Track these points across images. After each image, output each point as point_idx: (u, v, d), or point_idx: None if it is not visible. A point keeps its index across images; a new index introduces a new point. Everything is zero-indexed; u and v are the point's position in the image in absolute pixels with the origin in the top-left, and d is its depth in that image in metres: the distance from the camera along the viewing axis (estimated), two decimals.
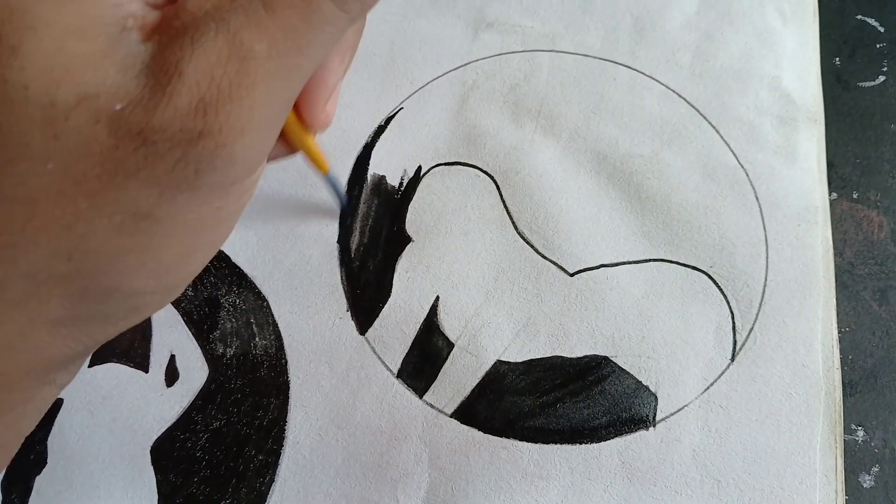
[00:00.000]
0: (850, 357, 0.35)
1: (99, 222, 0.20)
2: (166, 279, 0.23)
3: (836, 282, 0.35)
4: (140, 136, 0.20)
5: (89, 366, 0.36)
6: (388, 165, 0.39)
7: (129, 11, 0.20)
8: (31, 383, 0.23)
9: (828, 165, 0.38)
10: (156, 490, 0.33)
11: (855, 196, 0.38)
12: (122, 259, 0.21)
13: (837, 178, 0.38)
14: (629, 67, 0.40)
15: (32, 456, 0.34)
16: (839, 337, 0.35)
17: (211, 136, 0.20)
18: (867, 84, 0.41)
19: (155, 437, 0.34)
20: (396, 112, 0.40)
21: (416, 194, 0.38)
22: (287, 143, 0.29)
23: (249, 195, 0.24)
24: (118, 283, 0.22)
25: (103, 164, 0.20)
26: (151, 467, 0.34)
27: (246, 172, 0.22)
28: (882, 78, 0.41)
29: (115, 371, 0.36)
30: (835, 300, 0.35)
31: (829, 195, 0.38)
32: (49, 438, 0.34)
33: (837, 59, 0.41)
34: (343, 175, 0.39)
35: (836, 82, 0.41)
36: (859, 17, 0.43)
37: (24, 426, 0.25)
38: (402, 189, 0.38)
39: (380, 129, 0.40)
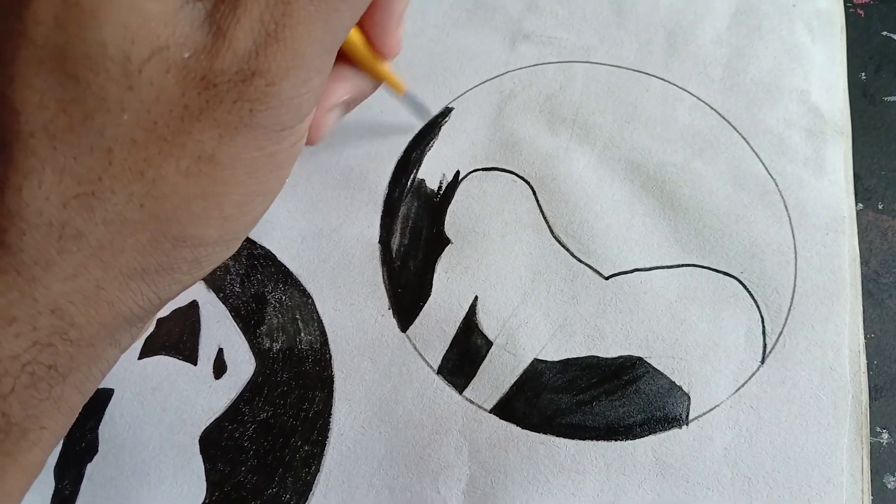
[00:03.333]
0: (876, 362, 0.36)
1: (167, 167, 0.23)
2: (227, 228, 0.25)
3: (861, 289, 0.36)
4: (203, 81, 0.22)
5: (139, 357, 0.37)
6: (428, 170, 0.40)
7: None
8: (101, 341, 0.24)
9: (854, 177, 0.39)
10: (204, 478, 0.34)
11: (880, 207, 0.39)
12: (187, 205, 0.23)
13: (863, 189, 0.40)
14: (662, 79, 0.41)
15: (84, 444, 0.35)
16: (865, 343, 0.36)
17: (261, 75, 0.22)
18: (892, 98, 0.42)
19: (203, 427, 0.35)
20: (436, 118, 0.41)
21: (454, 198, 0.39)
22: (364, 72, 0.32)
23: (300, 144, 0.26)
24: (184, 231, 0.24)
25: (171, 110, 0.22)
26: (200, 456, 0.35)
27: (295, 115, 0.24)
28: None
29: (164, 363, 0.37)
30: (861, 307, 0.36)
31: (856, 206, 0.39)
32: (100, 427, 0.35)
33: (863, 74, 0.43)
34: (384, 179, 0.40)
35: (862, 97, 0.42)
36: (885, 33, 0.44)
37: (87, 389, 0.26)
38: (442, 192, 0.39)
39: (420, 135, 0.41)
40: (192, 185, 0.23)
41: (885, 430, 0.35)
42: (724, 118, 0.40)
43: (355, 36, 0.31)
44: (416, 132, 0.41)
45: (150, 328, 0.38)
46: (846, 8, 0.44)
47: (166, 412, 0.36)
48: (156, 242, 0.24)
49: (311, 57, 0.24)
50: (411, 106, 0.39)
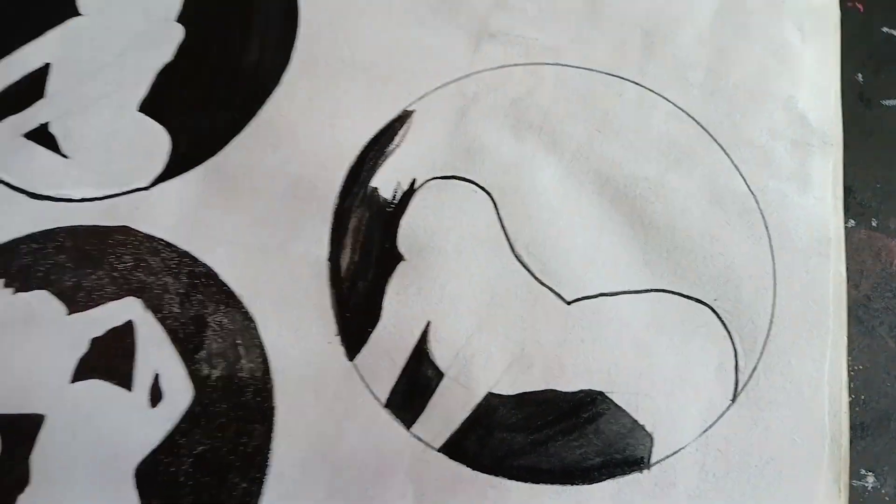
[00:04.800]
0: (863, 397, 0.34)
1: None
2: None
3: (850, 316, 0.35)
4: None
5: (71, 381, 0.35)
6: (383, 178, 0.38)
7: None
8: None
9: (846, 191, 0.37)
10: None
11: (874, 224, 0.37)
12: None
13: (856, 204, 0.37)
14: (637, 84, 0.39)
15: (14, 474, 0.34)
16: (852, 376, 0.34)
17: None
18: (891, 102, 0.39)
19: (139, 460, 0.34)
20: (392, 122, 0.39)
21: (409, 208, 0.38)
22: None
23: None
24: None
25: None
26: (136, 491, 0.33)
27: None
28: None
29: (98, 388, 0.35)
30: (846, 339, 0.34)
31: (847, 223, 0.36)
32: (31, 456, 0.34)
33: (860, 75, 0.40)
34: (334, 188, 0.38)
35: (857, 100, 0.39)
36: (886, 29, 0.41)
37: None
38: (396, 202, 0.38)
39: (374, 140, 0.39)
40: None
41: (870, 473, 0.33)
42: (702, 127, 0.38)
43: None
44: (371, 136, 0.39)
45: (84, 348, 0.36)
46: (843, 2, 0.41)
47: (101, 442, 0.34)
48: None
49: None
50: None
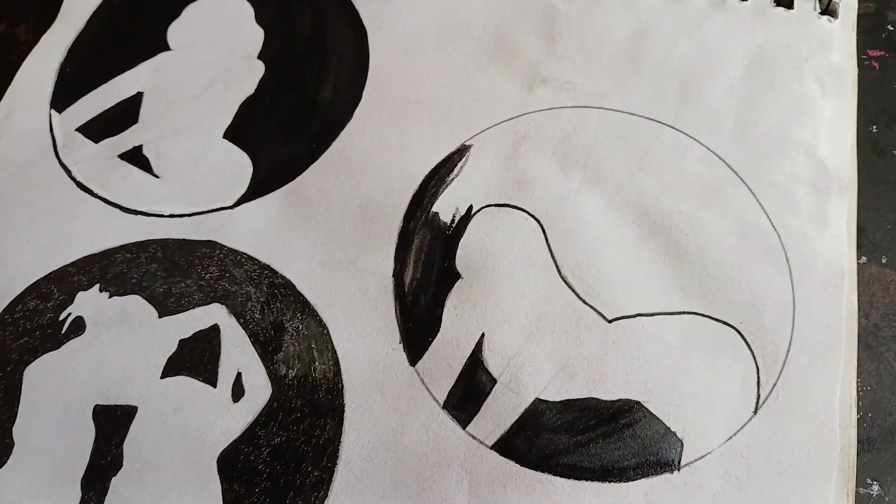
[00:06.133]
0: (870, 415, 0.37)
1: None
2: None
3: (860, 342, 0.37)
4: None
5: (161, 377, 0.39)
6: (443, 204, 0.42)
7: None
8: None
9: (859, 230, 0.40)
10: (220, 498, 0.36)
11: (884, 261, 0.40)
12: None
13: (868, 242, 0.40)
14: (673, 128, 0.42)
15: (110, 458, 0.37)
16: (861, 395, 0.37)
17: None
18: None
19: (221, 449, 0.37)
20: (452, 155, 0.43)
21: (466, 231, 0.41)
22: None
23: None
24: None
25: None
26: (217, 476, 0.37)
27: None
28: None
29: (185, 384, 0.39)
30: (856, 361, 0.37)
31: (859, 259, 0.40)
32: (125, 443, 0.37)
33: (875, 127, 0.43)
34: (400, 211, 0.42)
35: (872, 149, 0.43)
36: None
37: None
38: (454, 226, 0.41)
39: (436, 170, 0.43)
40: None
41: (875, 482, 0.36)
42: (732, 169, 0.41)
43: None
44: (433, 166, 0.43)
45: (173, 348, 0.40)
46: (861, 60, 0.44)
47: (187, 432, 0.38)
48: None
49: None
50: None
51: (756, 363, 0.36)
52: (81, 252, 0.42)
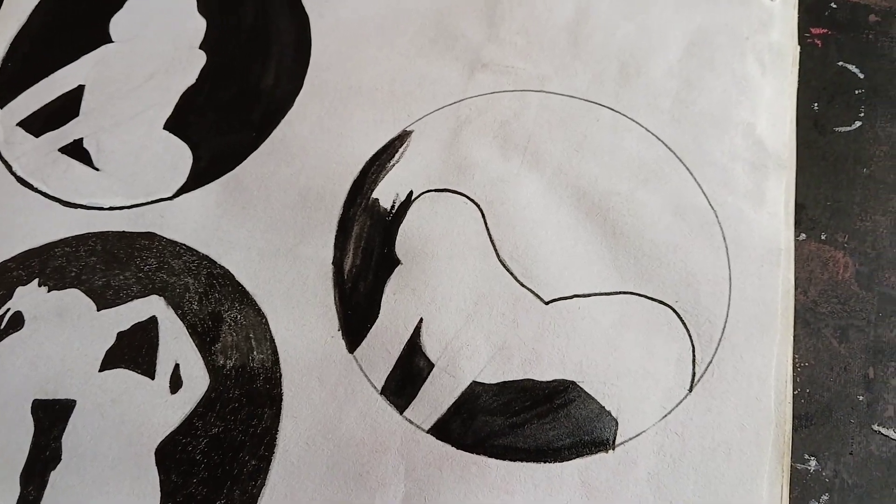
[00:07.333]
0: (808, 391, 0.37)
1: None
2: None
3: (799, 319, 0.37)
4: None
5: (100, 370, 0.38)
6: (383, 190, 0.42)
7: None
8: None
9: (799, 207, 0.40)
10: (158, 489, 0.36)
11: (823, 237, 0.40)
12: None
13: (807, 219, 0.40)
14: (612, 110, 0.42)
15: (48, 452, 0.37)
16: (798, 371, 0.37)
17: None
18: (843, 129, 0.43)
19: (160, 440, 0.37)
20: (392, 141, 0.43)
21: (406, 217, 0.41)
22: None
23: None
24: None
25: None
26: (155, 468, 0.36)
27: None
28: (858, 123, 0.43)
29: (123, 376, 0.38)
30: (792, 338, 0.37)
31: (798, 236, 0.40)
32: (64, 437, 0.37)
33: (816, 104, 0.43)
34: (340, 198, 0.41)
35: (812, 127, 0.43)
36: (840, 63, 0.44)
37: None
38: (394, 211, 0.41)
39: (376, 156, 0.42)
40: None
41: (812, 458, 0.36)
42: (670, 149, 0.41)
43: None
44: (374, 153, 0.42)
45: (111, 340, 0.39)
46: (804, 38, 0.44)
47: (125, 424, 0.37)
48: None
49: None
50: None
51: (692, 341, 0.37)
52: (22, 247, 0.42)
